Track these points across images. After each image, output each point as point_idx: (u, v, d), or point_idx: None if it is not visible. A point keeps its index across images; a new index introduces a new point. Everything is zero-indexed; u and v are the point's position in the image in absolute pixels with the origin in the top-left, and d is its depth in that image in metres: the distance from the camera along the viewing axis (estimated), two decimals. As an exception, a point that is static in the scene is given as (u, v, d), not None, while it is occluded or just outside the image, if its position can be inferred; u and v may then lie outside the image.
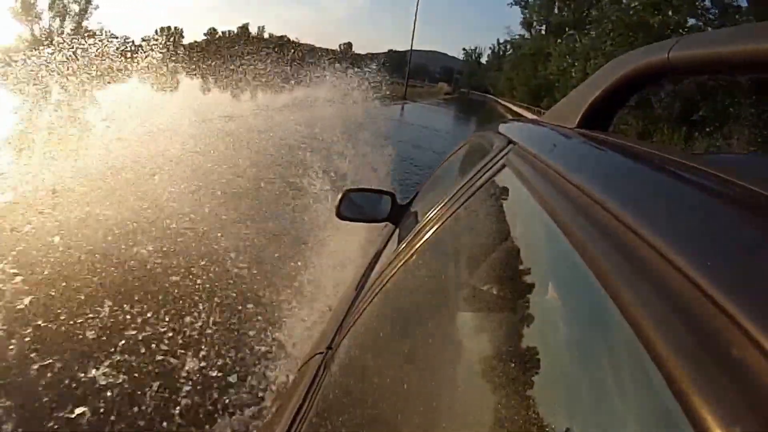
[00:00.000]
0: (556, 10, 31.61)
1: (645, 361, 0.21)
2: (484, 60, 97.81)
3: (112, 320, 2.31)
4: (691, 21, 15.42)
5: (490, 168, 0.75)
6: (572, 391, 0.31)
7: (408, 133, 13.45)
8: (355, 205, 1.60)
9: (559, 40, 28.71)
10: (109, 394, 1.85)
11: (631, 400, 0.24)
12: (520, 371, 0.36)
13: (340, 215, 1.55)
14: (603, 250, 0.29)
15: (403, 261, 0.84)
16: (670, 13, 15.06)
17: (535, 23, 39.75)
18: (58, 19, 30.04)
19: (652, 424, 0.22)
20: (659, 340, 0.20)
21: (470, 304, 0.56)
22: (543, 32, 39.26)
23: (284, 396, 0.95)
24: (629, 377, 0.25)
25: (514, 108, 37.08)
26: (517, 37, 50.33)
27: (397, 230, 1.39)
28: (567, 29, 27.05)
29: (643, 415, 0.23)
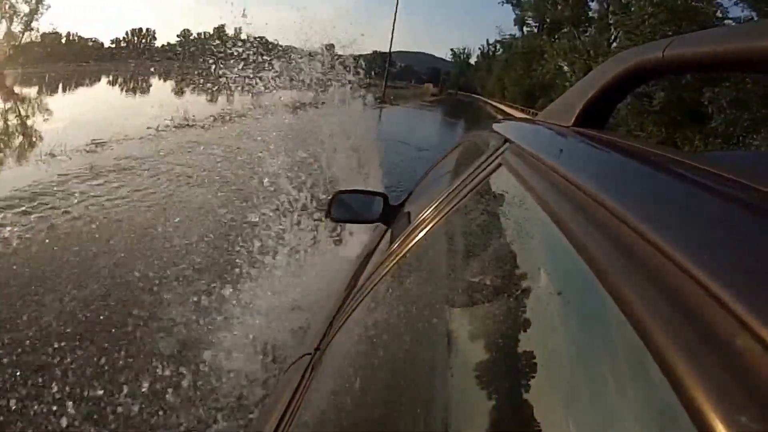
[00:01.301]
0: (549, 6, 29.57)
1: (645, 357, 0.20)
2: (472, 61, 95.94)
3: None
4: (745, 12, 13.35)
5: (486, 167, 0.75)
6: (570, 390, 0.30)
7: (382, 157, 6.45)
8: (346, 206, 1.55)
9: (554, 38, 26.86)
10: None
11: (634, 399, 0.24)
12: (514, 372, 0.36)
13: (331, 217, 1.51)
14: (600, 247, 0.29)
15: (395, 262, 0.83)
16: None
17: (530, 20, 37.83)
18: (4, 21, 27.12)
19: (656, 423, 0.22)
20: (659, 336, 0.20)
21: (464, 305, 0.55)
22: (536, 30, 37.48)
23: (271, 397, 0.92)
24: (630, 375, 0.25)
25: (508, 110, 34.94)
26: (507, 36, 48.59)
27: (389, 231, 1.35)
28: (564, 26, 25.22)
29: (648, 414, 0.23)
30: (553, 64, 26.36)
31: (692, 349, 0.19)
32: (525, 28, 40.03)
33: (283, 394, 0.81)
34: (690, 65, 0.52)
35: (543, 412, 0.30)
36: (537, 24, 38.02)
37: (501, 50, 54.85)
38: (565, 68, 25.17)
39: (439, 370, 0.47)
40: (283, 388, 0.86)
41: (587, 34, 24.20)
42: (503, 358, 0.38)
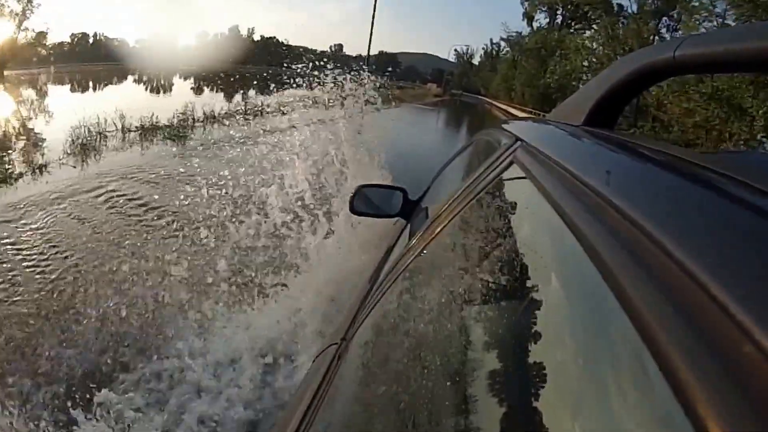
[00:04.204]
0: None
1: (656, 358, 0.21)
2: (476, 61, 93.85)
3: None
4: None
5: (498, 165, 0.76)
6: (584, 388, 0.30)
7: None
8: (367, 200, 1.60)
9: (573, 30, 24.44)
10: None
11: (646, 404, 0.23)
12: (531, 365, 0.36)
13: (354, 210, 1.56)
14: (610, 246, 0.29)
15: (414, 256, 0.85)
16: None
17: (543, 9, 35.42)
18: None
19: (665, 427, 0.22)
20: (670, 338, 0.20)
21: (480, 299, 0.56)
22: (547, 25, 35.45)
23: (299, 386, 0.94)
24: (638, 375, 0.24)
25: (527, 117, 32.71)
26: (514, 33, 46.56)
27: (409, 225, 1.39)
28: (588, 15, 22.52)
29: (658, 418, 0.22)
30: (578, 60, 23.19)
31: (698, 351, 0.18)
32: (534, 23, 37.98)
33: (310, 383, 0.82)
34: (702, 65, 0.52)
35: (560, 406, 0.31)
36: (548, 17, 36.10)
37: (506, 49, 52.54)
38: (590, 64, 21.70)
39: (458, 362, 0.48)
40: (311, 377, 0.88)
41: (619, 24, 21.52)
42: (519, 352, 0.39)
